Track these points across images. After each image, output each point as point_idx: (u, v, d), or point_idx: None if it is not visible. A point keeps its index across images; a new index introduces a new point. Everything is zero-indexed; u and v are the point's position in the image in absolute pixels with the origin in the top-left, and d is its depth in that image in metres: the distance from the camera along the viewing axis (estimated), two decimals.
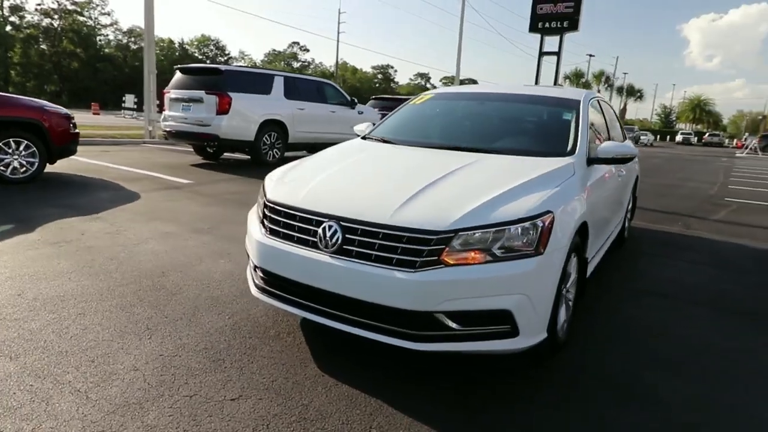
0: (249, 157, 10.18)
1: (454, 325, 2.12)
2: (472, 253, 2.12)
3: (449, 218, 2.15)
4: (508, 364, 2.49)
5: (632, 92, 47.96)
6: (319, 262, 2.26)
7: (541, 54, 38.46)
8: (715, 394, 2.36)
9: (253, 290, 2.62)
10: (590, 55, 48.84)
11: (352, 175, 2.78)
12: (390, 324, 2.16)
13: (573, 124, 3.24)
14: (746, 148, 34.62)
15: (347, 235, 2.23)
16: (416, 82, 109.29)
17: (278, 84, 9.99)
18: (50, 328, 2.59)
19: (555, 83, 36.81)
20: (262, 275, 2.57)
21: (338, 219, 2.28)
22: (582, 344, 2.77)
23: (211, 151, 10.68)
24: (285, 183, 2.72)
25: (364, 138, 3.67)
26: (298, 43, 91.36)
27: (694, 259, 4.82)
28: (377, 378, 2.32)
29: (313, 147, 11.51)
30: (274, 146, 9.96)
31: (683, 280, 4.10)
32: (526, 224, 2.18)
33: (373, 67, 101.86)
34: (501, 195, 2.32)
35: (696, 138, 56.35)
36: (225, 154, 10.95)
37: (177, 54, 63.01)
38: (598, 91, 49.84)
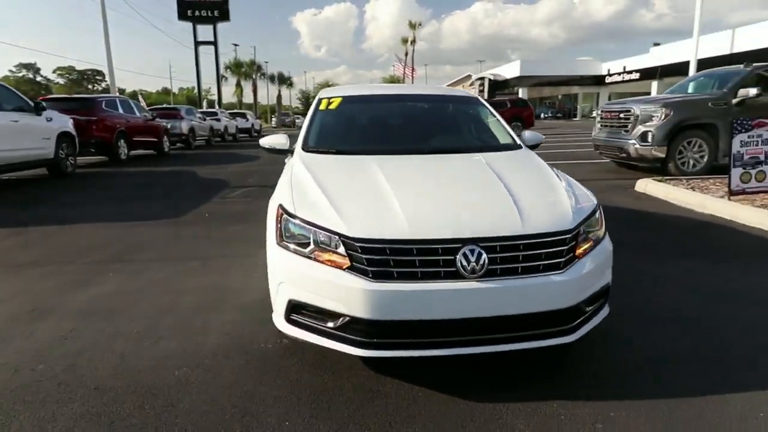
0: None
1: (588, 309, 2.34)
2: (585, 244, 2.35)
3: (568, 216, 2.31)
4: None
5: (284, 80, 51.95)
6: (464, 290, 2.07)
7: (197, 44, 37.30)
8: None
9: (362, 352, 2.13)
10: (235, 45, 49.83)
11: (418, 193, 2.51)
12: (542, 328, 2.21)
13: (494, 120, 3.71)
14: None
15: (490, 255, 2.12)
16: (21, 74, 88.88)
17: None
18: None
19: (217, 74, 36.52)
20: (369, 329, 2.11)
21: (475, 241, 2.12)
22: None
23: None
24: (351, 215, 2.24)
25: (308, 151, 3.19)
26: None
27: None
28: (528, 388, 2.29)
29: None
30: None
31: None
32: (598, 211, 2.54)
33: None
34: (566, 190, 2.60)
35: None
36: None
37: None
38: (254, 80, 52.12)
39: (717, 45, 27.86)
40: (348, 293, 2.09)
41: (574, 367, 2.47)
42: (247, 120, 29.65)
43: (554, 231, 2.22)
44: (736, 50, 27.28)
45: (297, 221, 2.32)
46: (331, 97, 3.70)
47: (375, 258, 2.10)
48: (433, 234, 2.12)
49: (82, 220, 5.91)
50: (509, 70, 47.25)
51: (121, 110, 13.13)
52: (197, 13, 32.08)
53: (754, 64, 8.29)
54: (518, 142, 3.47)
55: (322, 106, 3.61)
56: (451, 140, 3.63)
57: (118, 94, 24.50)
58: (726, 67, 9.23)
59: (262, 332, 2.85)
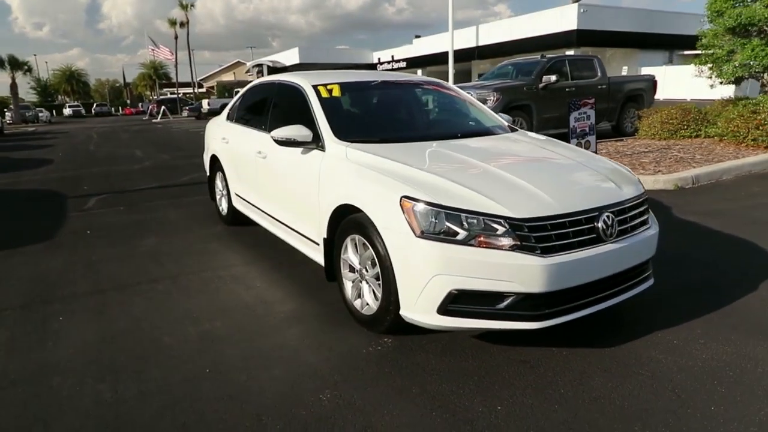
0: None
1: None
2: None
3: (638, 181, 2.81)
4: None
5: (17, 64, 40.96)
6: (609, 251, 2.39)
7: None
8: None
9: (534, 325, 2.27)
10: None
11: (529, 172, 2.64)
12: (640, 275, 2.66)
13: (478, 105, 3.98)
14: (150, 114, 37.71)
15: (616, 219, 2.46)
16: None
17: None
18: None
19: None
20: (540, 301, 2.25)
21: (607, 208, 2.43)
22: None
23: None
24: (503, 198, 2.31)
25: (348, 141, 2.95)
26: None
27: None
28: (628, 330, 2.72)
29: None
30: None
31: None
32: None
33: None
34: (610, 160, 3.08)
35: (84, 110, 56.53)
36: None
37: None
38: None
39: (466, 39, 32.91)
40: (521, 271, 2.19)
41: (632, 308, 3.00)
42: None
43: (640, 194, 2.69)
44: (480, 43, 32.67)
45: (440, 210, 2.28)
46: (327, 84, 3.45)
47: (541, 235, 2.25)
48: (577, 207, 2.37)
49: None
50: (288, 57, 47.33)
51: None
52: None
53: (548, 56, 10.33)
54: (506, 123, 3.85)
55: (324, 94, 3.35)
56: (467, 123, 3.79)
57: None
58: (526, 57, 11.24)
59: (345, 339, 2.68)
